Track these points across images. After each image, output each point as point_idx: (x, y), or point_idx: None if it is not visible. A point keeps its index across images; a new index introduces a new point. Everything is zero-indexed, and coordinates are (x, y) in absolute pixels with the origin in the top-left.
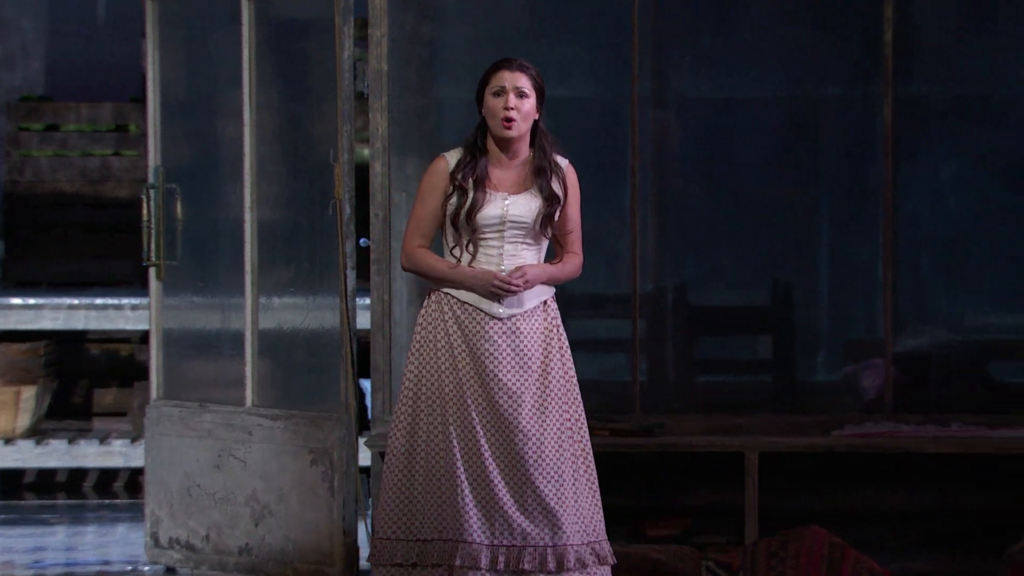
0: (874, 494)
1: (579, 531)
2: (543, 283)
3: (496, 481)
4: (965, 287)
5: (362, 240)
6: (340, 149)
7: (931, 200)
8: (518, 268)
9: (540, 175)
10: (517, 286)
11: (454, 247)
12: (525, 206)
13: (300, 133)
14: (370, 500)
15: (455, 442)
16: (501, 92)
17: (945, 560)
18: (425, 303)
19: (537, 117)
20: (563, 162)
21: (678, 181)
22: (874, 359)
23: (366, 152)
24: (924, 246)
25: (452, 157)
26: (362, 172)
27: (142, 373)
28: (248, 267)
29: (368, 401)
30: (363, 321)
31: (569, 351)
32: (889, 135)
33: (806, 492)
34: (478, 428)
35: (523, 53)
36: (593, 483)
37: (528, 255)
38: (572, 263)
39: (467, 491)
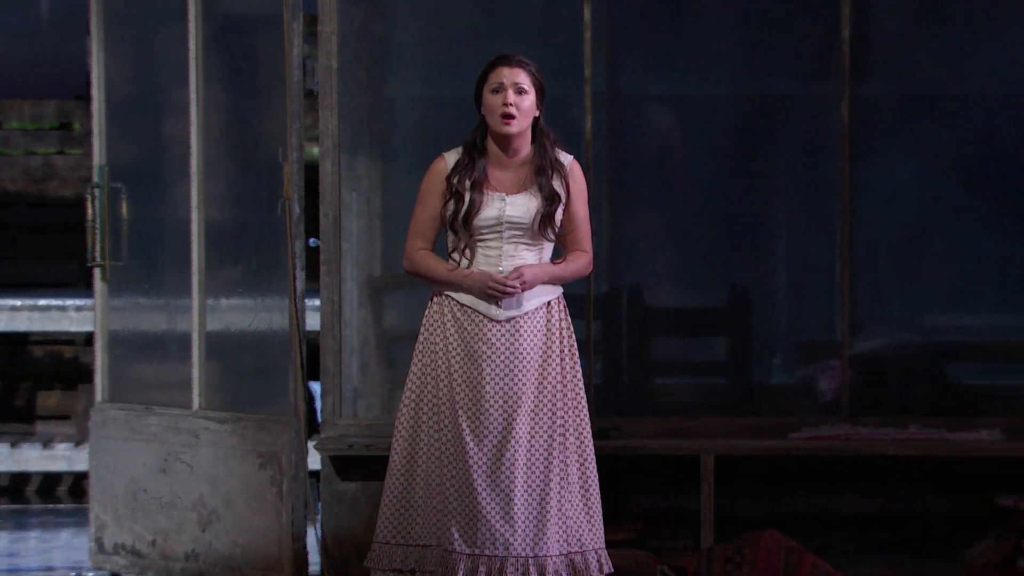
0: (831, 497)
1: (560, 542)
2: (545, 283)
3: (480, 489)
4: (922, 288)
5: (311, 240)
6: (289, 148)
7: (888, 200)
8: (516, 269)
9: (540, 173)
10: (514, 287)
11: (453, 251)
12: (523, 206)
13: (248, 131)
14: (319, 505)
15: (445, 447)
16: (499, 89)
17: (903, 564)
18: (428, 306)
19: (537, 114)
20: (566, 159)
21: (632, 180)
22: (831, 361)
23: (316, 151)
24: (881, 246)
25: (451, 158)
26: (312, 171)
27: (87, 376)
28: (195, 268)
29: (318, 404)
30: (312, 323)
31: (576, 353)
32: (846, 134)
33: (762, 496)
34: (466, 434)
35: (474, 51)
36: (588, 490)
37: (529, 256)
38: (578, 261)
39: (453, 499)
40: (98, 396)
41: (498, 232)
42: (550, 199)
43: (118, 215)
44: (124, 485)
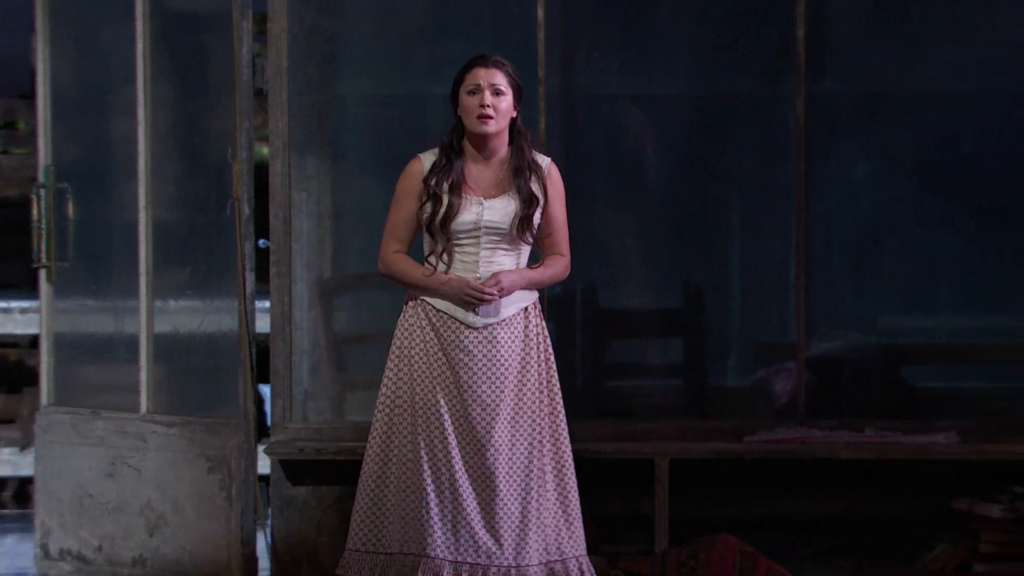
0: (786, 501)
1: (539, 550)
2: (523, 288)
3: (465, 495)
4: (878, 289)
5: (261, 241)
6: (238, 147)
7: (844, 199)
8: (493, 275)
9: (518, 175)
10: (491, 294)
11: (430, 254)
12: (501, 210)
13: (197, 131)
14: (269, 510)
15: (423, 454)
16: (476, 90)
17: (859, 568)
18: (403, 310)
19: (515, 115)
20: (544, 161)
21: (586, 181)
22: (786, 363)
23: (265, 150)
24: (837, 247)
25: (427, 159)
26: (261, 171)
27: (31, 379)
28: (143, 269)
29: (267, 407)
30: (262, 325)
31: (552, 358)
32: (801, 133)
33: (718, 499)
34: (451, 439)
35: (426, 49)
36: (566, 496)
37: (507, 261)
38: (556, 265)
39: (433, 504)
40: (43, 400)
41: (475, 237)
42: (528, 201)
43: (64, 215)
44: (70, 490)
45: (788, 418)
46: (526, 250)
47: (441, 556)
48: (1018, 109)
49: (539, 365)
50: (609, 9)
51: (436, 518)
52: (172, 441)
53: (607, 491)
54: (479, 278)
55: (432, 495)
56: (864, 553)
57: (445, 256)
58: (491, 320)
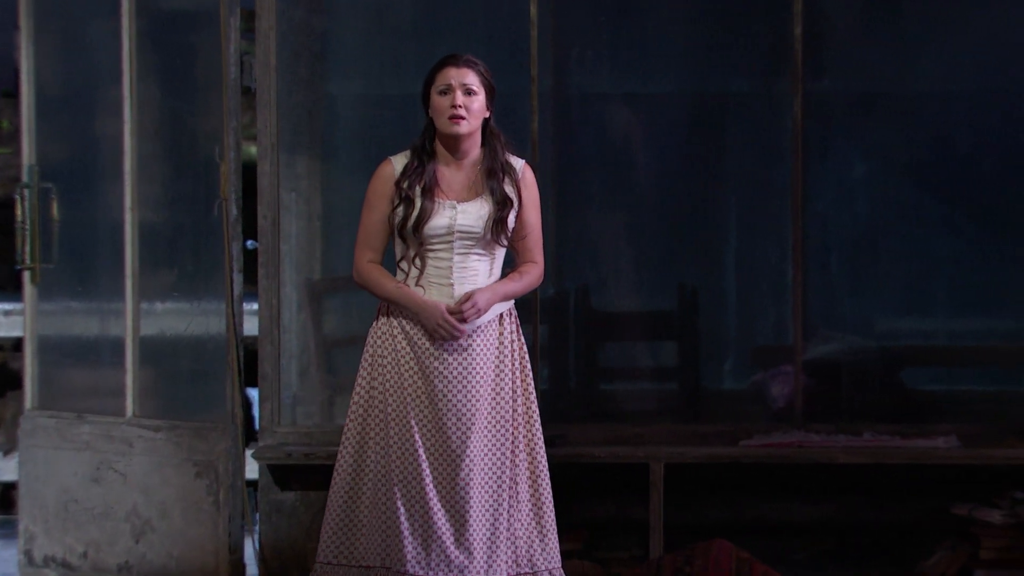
0: (783, 506)
1: (509, 562)
2: (499, 302)
3: (435, 509)
4: (876, 291)
5: (249, 242)
6: (226, 147)
7: (841, 200)
8: (467, 296)
9: (491, 176)
10: (461, 332)
11: (402, 259)
12: (475, 214)
13: (184, 130)
14: (257, 515)
15: (395, 467)
16: (448, 90)
17: (857, 574)
18: (376, 318)
19: (488, 115)
20: (518, 163)
21: (580, 181)
22: (783, 366)
23: (253, 150)
24: (834, 248)
25: (398, 162)
26: (249, 171)
27: (15, 382)
28: (129, 270)
29: (255, 411)
30: (250, 327)
31: (528, 366)
32: (798, 133)
33: (713, 504)
34: (420, 452)
35: (417, 47)
36: (541, 507)
37: (480, 266)
38: (530, 274)
39: (404, 519)
40: (27, 403)
41: (448, 242)
42: (502, 203)
43: (49, 216)
44: (55, 495)
45: (785, 422)
46: (500, 253)
47: (411, 572)
48: (1017, 109)
49: (514, 373)
50: (602, 7)
51: (407, 533)
52: (158, 445)
53: (600, 496)
54: (452, 284)
55: (403, 510)
56: (862, 559)
57: (417, 261)
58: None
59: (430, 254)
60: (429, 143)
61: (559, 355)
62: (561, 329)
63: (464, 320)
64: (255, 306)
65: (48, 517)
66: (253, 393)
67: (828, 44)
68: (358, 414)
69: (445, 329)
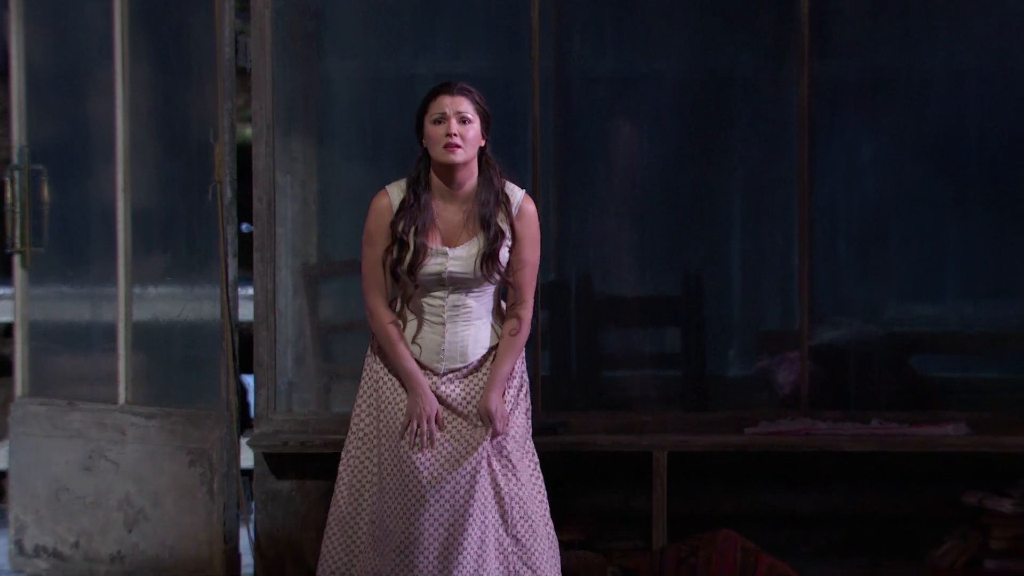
0: (790, 495)
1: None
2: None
3: (428, 524)
4: (884, 275)
5: (244, 226)
6: (220, 128)
7: (849, 183)
8: (489, 414)
9: (485, 208)
10: (428, 445)
11: (396, 296)
12: (464, 260)
13: (177, 111)
14: (252, 504)
15: (391, 483)
16: (442, 119)
17: (865, 564)
18: (371, 343)
19: (483, 144)
20: (517, 194)
21: (581, 164)
22: (789, 352)
23: (248, 132)
24: (841, 232)
25: (394, 194)
26: (244, 153)
27: (5, 369)
28: (121, 254)
29: (251, 398)
30: (245, 312)
31: (527, 395)
32: (805, 115)
33: (717, 494)
34: (418, 466)
35: (415, 26)
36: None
37: (474, 303)
38: (520, 327)
39: (399, 534)
40: (18, 390)
41: (442, 284)
42: (494, 238)
43: (39, 199)
44: (45, 484)
45: (791, 409)
46: (492, 289)
47: None
48: None
49: (515, 402)
50: None
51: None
52: (151, 433)
53: (603, 485)
54: (444, 323)
55: (398, 525)
56: (870, 549)
57: (411, 304)
58: (457, 365)
59: (424, 292)
60: (424, 175)
61: (560, 341)
62: (562, 315)
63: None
64: (250, 291)
65: (39, 506)
66: (248, 380)
67: (835, 23)
68: (359, 433)
69: (420, 431)
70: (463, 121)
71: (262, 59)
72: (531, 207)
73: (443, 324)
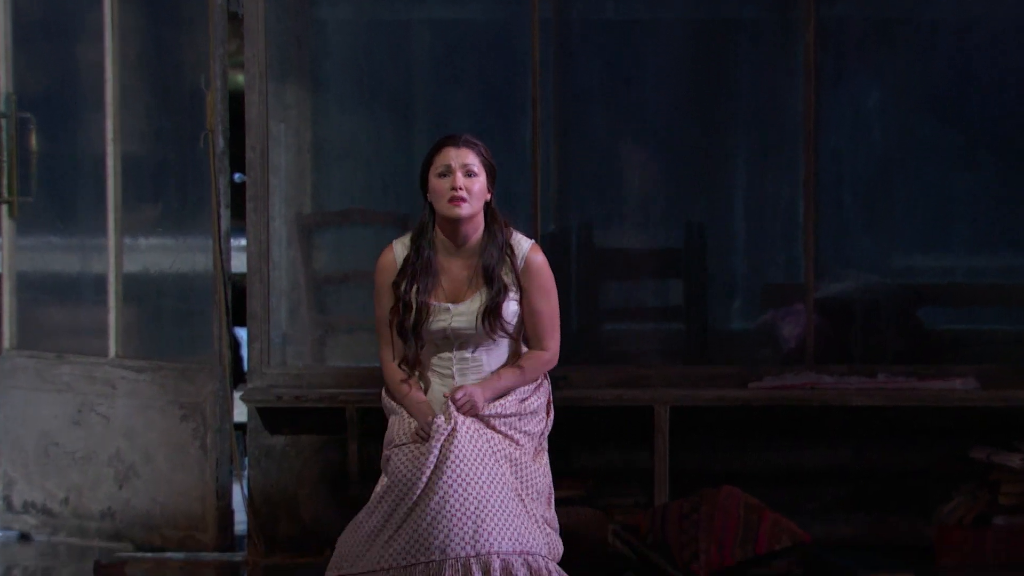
0: (794, 451)
1: (509, 539)
2: (500, 395)
3: (423, 497)
4: (892, 227)
5: (237, 175)
6: (212, 75)
7: (855, 133)
8: (460, 390)
9: (489, 261)
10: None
11: (404, 355)
12: (469, 315)
13: (168, 58)
14: (246, 460)
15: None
16: (447, 172)
17: (871, 521)
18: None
19: (489, 197)
20: (524, 245)
21: (581, 113)
22: (794, 305)
23: (240, 79)
24: (848, 182)
25: (399, 251)
26: (236, 101)
27: None
28: (111, 205)
29: (244, 351)
30: (238, 264)
31: (545, 447)
32: (811, 62)
33: (721, 449)
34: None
35: None
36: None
37: (484, 357)
38: (534, 362)
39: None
40: (5, 343)
41: (448, 340)
42: (496, 292)
43: (27, 147)
44: (34, 439)
45: (796, 363)
46: (505, 342)
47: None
48: None
49: (535, 450)
50: None
51: (389, 532)
52: (143, 387)
53: (603, 441)
54: (453, 377)
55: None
56: (876, 506)
57: (419, 364)
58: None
59: (432, 348)
60: (429, 229)
61: (560, 295)
62: (562, 267)
63: (460, 409)
64: (243, 242)
65: (28, 461)
66: (241, 333)
67: None
68: (388, 457)
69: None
70: (468, 174)
71: (254, 4)
72: (539, 257)
73: (452, 378)
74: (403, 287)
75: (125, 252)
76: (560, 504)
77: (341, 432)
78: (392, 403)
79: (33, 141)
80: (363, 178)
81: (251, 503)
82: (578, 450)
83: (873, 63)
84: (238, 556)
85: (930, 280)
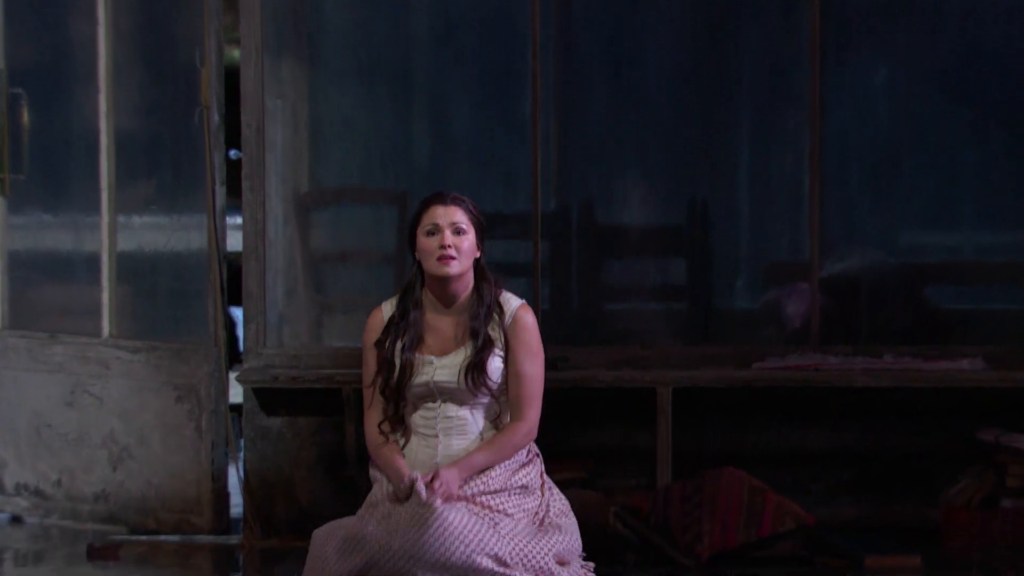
0: (799, 433)
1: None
2: (473, 473)
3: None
4: (898, 204)
5: (232, 152)
6: (207, 50)
7: (861, 108)
8: (436, 478)
9: (475, 319)
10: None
11: (387, 416)
12: (452, 370)
13: (162, 32)
14: (242, 441)
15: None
16: (435, 230)
17: (876, 504)
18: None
19: (478, 255)
20: (512, 303)
21: (583, 89)
22: (799, 284)
23: (236, 54)
24: (853, 159)
25: (388, 311)
26: (232, 76)
27: None
28: (104, 182)
29: (239, 331)
30: (234, 242)
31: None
32: (816, 36)
33: (724, 431)
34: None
35: None
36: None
37: (468, 416)
38: (509, 437)
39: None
40: None
41: (431, 394)
42: (481, 346)
43: (18, 124)
44: (26, 420)
45: (800, 343)
46: (489, 402)
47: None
48: None
49: (533, 525)
50: None
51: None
52: (137, 368)
53: (605, 422)
54: (437, 435)
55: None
56: (882, 488)
57: (402, 422)
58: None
59: (417, 404)
60: (418, 288)
61: (561, 273)
62: (563, 245)
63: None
64: (238, 220)
65: (20, 443)
66: (237, 312)
67: None
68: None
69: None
70: (457, 232)
71: None
72: (527, 316)
73: (436, 437)
74: (387, 346)
75: (119, 230)
76: (561, 486)
77: (338, 413)
78: (375, 472)
79: (25, 117)
80: (361, 155)
81: (247, 485)
82: (579, 431)
83: (880, 37)
84: (234, 539)
85: (937, 258)
